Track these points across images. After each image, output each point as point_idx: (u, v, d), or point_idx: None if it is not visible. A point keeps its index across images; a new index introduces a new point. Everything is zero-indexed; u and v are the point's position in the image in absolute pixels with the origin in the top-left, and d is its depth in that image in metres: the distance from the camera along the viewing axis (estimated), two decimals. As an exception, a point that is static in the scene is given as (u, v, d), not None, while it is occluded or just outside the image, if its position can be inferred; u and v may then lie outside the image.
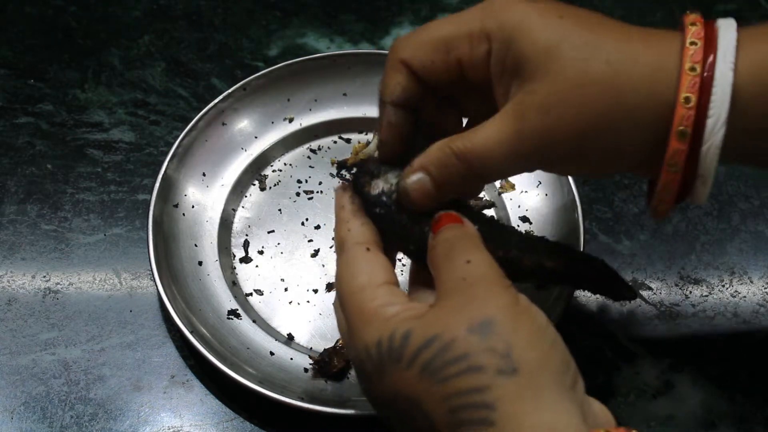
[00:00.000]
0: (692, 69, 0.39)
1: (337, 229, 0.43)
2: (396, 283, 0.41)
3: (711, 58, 0.39)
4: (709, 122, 0.38)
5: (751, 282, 0.58)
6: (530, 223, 0.59)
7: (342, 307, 0.41)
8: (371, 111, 0.64)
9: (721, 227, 0.61)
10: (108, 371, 0.55)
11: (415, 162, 0.42)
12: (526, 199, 0.60)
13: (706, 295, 0.58)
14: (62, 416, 0.53)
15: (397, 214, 0.42)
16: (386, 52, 0.65)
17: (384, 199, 0.42)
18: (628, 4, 0.73)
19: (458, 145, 0.41)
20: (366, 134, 0.64)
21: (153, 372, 0.55)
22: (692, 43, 0.39)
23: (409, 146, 0.44)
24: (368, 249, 0.41)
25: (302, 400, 0.50)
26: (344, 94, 0.65)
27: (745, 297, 0.58)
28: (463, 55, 0.42)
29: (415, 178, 0.42)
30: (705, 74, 0.38)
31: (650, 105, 0.39)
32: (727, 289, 0.58)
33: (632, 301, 0.57)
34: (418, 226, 0.42)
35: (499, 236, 0.42)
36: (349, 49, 0.70)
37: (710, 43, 0.39)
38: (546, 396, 0.35)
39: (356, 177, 0.43)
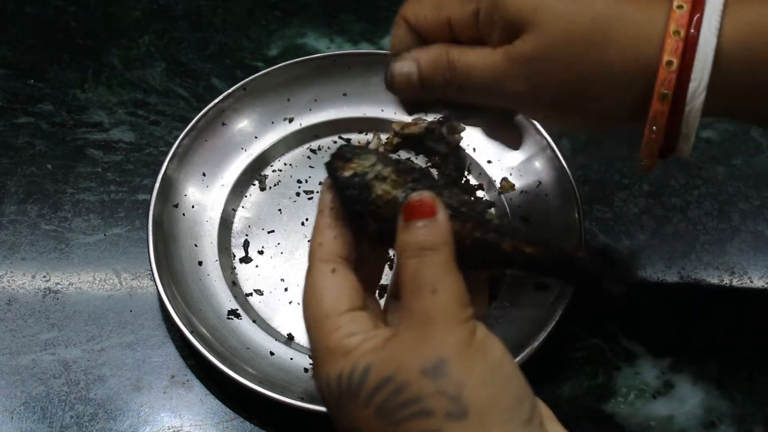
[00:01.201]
0: (676, 32, 0.40)
1: (312, 238, 0.42)
2: (360, 306, 0.40)
3: (696, 21, 0.40)
4: (691, 86, 0.40)
5: (751, 282, 0.58)
6: (530, 223, 0.59)
7: (308, 332, 0.40)
8: (371, 111, 0.64)
9: (721, 227, 0.61)
10: (108, 371, 0.55)
11: (412, 51, 0.45)
12: (526, 199, 0.60)
13: (707, 295, 0.58)
14: (62, 416, 0.53)
15: (368, 196, 0.41)
16: (386, 52, 0.65)
17: (356, 179, 0.41)
18: None
19: (454, 52, 0.44)
20: (366, 134, 0.64)
21: (153, 372, 0.55)
22: (679, 7, 0.40)
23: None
24: (334, 270, 0.40)
25: (302, 400, 0.50)
26: (344, 94, 0.65)
27: (745, 297, 0.58)
28: (453, 13, 0.45)
29: (405, 65, 0.45)
30: (689, 38, 0.39)
31: (634, 65, 0.40)
32: (727, 289, 0.58)
33: (632, 301, 0.57)
34: (390, 209, 0.41)
35: (479, 217, 0.42)
36: (349, 49, 0.70)
37: (696, 7, 0.40)
38: None
39: (330, 161, 0.43)
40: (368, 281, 0.43)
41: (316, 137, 0.64)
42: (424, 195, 0.39)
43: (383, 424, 0.36)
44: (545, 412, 0.38)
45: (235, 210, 0.61)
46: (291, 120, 0.64)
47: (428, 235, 0.38)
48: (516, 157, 0.61)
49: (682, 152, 0.43)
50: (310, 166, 0.63)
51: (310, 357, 0.54)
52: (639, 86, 0.41)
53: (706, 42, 0.39)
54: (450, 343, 0.36)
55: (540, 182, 0.60)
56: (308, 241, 0.59)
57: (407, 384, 0.36)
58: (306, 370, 0.53)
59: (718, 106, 0.41)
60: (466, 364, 0.36)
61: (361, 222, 0.42)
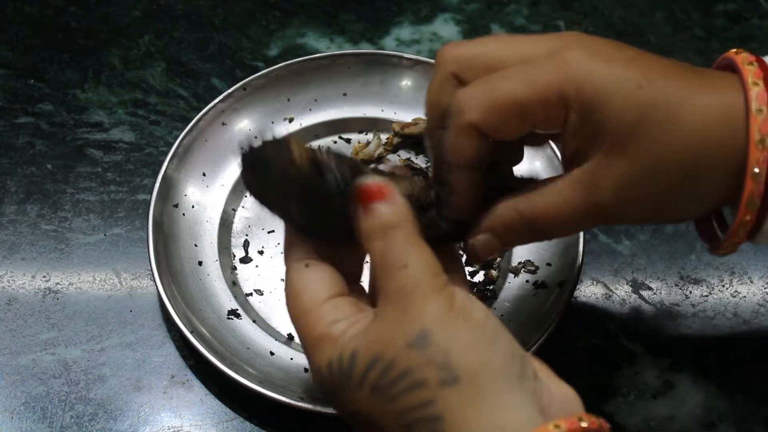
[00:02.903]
0: (759, 111, 0.39)
1: (284, 244, 0.43)
2: (340, 292, 0.40)
3: None
4: None
5: (751, 282, 0.58)
6: (530, 223, 0.59)
7: (296, 330, 0.41)
8: (371, 111, 0.64)
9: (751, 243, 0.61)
10: (108, 371, 0.55)
11: (483, 223, 0.43)
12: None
13: (706, 295, 0.58)
14: (62, 416, 0.53)
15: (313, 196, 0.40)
16: (386, 52, 0.66)
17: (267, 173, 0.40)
18: (628, 4, 0.73)
19: (524, 209, 0.42)
20: (366, 134, 0.64)
21: (153, 372, 0.55)
22: (755, 84, 0.39)
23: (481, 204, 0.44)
24: (307, 265, 0.41)
25: (302, 400, 0.50)
26: (344, 94, 0.65)
27: (745, 297, 0.58)
28: (538, 121, 0.41)
29: (481, 239, 0.43)
30: None
31: (726, 159, 0.40)
32: (727, 289, 0.58)
33: (632, 301, 0.58)
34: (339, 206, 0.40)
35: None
36: (349, 49, 0.70)
37: None
38: (491, 397, 0.35)
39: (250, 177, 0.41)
40: (351, 273, 0.43)
41: (316, 137, 0.64)
42: (373, 179, 0.39)
43: (380, 402, 0.36)
44: (540, 366, 0.39)
45: (235, 210, 0.61)
46: (291, 120, 0.64)
47: (389, 214, 0.39)
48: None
49: (765, 238, 0.42)
50: (310, 166, 0.63)
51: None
52: (730, 177, 0.40)
53: None
54: (430, 313, 0.36)
55: (540, 182, 0.60)
56: (308, 241, 0.59)
57: (396, 359, 0.36)
58: (306, 370, 0.53)
59: None
60: (450, 330, 0.36)
61: (287, 216, 0.41)
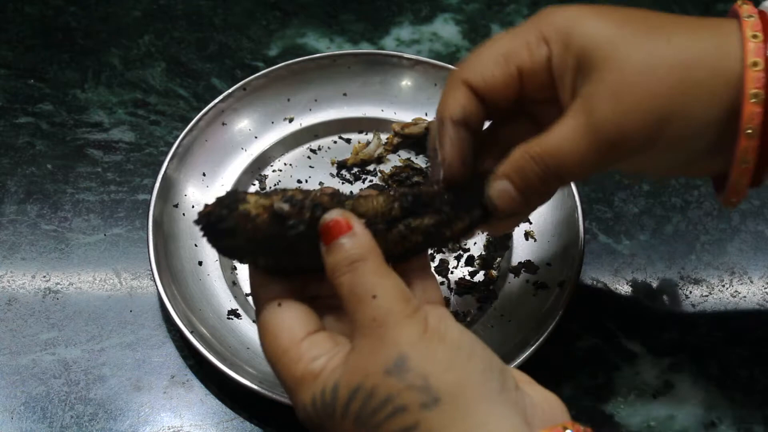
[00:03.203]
0: (755, 36, 0.39)
1: (251, 288, 0.42)
2: (316, 328, 0.40)
3: None
4: None
5: (751, 282, 0.58)
6: (530, 223, 0.59)
7: (273, 371, 0.41)
8: (371, 111, 0.64)
9: (721, 227, 0.61)
10: (108, 371, 0.55)
11: (497, 170, 0.42)
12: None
13: (706, 295, 0.58)
14: (62, 416, 0.53)
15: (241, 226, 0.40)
16: (386, 52, 0.66)
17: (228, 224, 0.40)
18: (629, 4, 0.73)
19: (535, 149, 0.41)
20: (366, 134, 0.64)
21: (153, 372, 0.55)
22: (749, 16, 0.40)
23: (470, 169, 0.44)
24: (280, 304, 0.40)
25: (302, 400, 0.50)
26: (344, 94, 0.65)
27: (745, 297, 0.58)
28: (523, 63, 0.42)
29: (499, 186, 0.42)
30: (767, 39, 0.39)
31: (719, 79, 0.39)
32: (727, 289, 0.58)
33: (632, 301, 0.58)
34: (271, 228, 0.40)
35: (390, 224, 0.42)
36: (349, 49, 0.70)
37: (766, 18, 0.40)
38: (473, 414, 0.35)
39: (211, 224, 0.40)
40: (326, 302, 0.42)
41: (316, 137, 0.64)
42: (333, 214, 0.39)
43: None
44: (521, 377, 0.39)
45: (235, 210, 0.61)
46: (291, 120, 0.64)
47: (353, 247, 0.39)
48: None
49: None
50: (310, 166, 0.63)
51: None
52: (727, 100, 0.40)
53: None
54: (404, 339, 0.37)
55: (540, 182, 0.60)
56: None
57: (376, 388, 0.36)
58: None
59: None
60: (426, 352, 0.36)
61: (253, 263, 0.41)
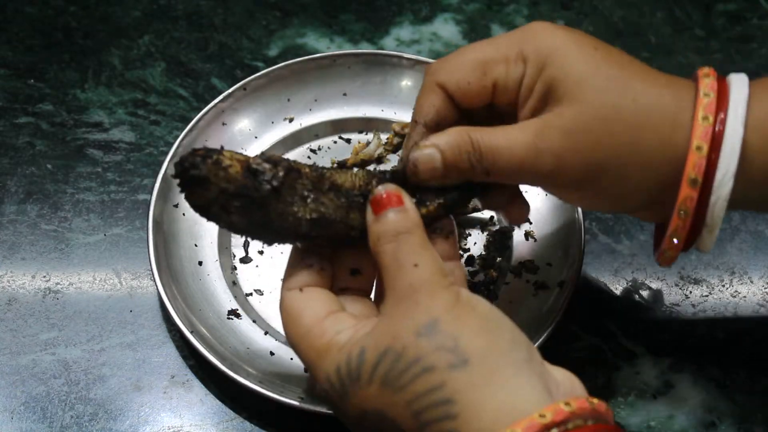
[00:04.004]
0: (705, 119, 0.40)
1: (285, 269, 0.44)
2: (338, 309, 0.42)
3: (722, 114, 0.40)
4: (718, 174, 0.40)
5: (751, 282, 0.58)
6: (530, 223, 0.59)
7: (297, 352, 0.42)
8: (371, 111, 0.64)
9: (722, 227, 0.61)
10: (108, 371, 0.55)
11: (431, 137, 0.43)
12: (526, 199, 0.60)
13: (706, 295, 0.58)
14: (62, 416, 0.53)
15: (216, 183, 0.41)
16: (386, 52, 0.66)
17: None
18: (628, 4, 0.73)
19: (476, 135, 0.42)
20: (366, 134, 0.64)
21: (153, 372, 0.55)
22: (705, 95, 0.41)
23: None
24: (302, 290, 0.42)
25: (302, 400, 0.50)
26: (344, 94, 0.65)
27: (745, 297, 0.58)
28: (499, 77, 0.43)
29: (427, 152, 0.43)
30: (717, 127, 0.40)
31: (666, 149, 0.41)
32: (727, 289, 0.58)
33: (632, 301, 0.58)
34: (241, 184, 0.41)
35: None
36: (349, 49, 0.70)
37: (723, 97, 0.40)
38: (500, 378, 0.36)
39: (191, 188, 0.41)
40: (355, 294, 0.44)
41: (316, 137, 0.64)
42: (389, 187, 0.41)
43: (389, 394, 0.37)
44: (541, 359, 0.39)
45: (235, 210, 0.61)
46: (291, 120, 0.64)
47: (401, 221, 0.40)
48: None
49: (705, 245, 0.43)
50: (310, 166, 0.63)
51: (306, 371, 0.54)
52: (666, 170, 0.41)
53: (733, 132, 0.40)
54: (438, 305, 0.38)
55: (540, 182, 0.60)
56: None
57: (405, 349, 0.37)
58: (306, 370, 0.53)
59: (743, 198, 0.41)
60: (457, 318, 0.37)
61: (225, 221, 0.42)
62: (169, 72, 0.69)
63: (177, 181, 0.41)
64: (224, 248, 0.59)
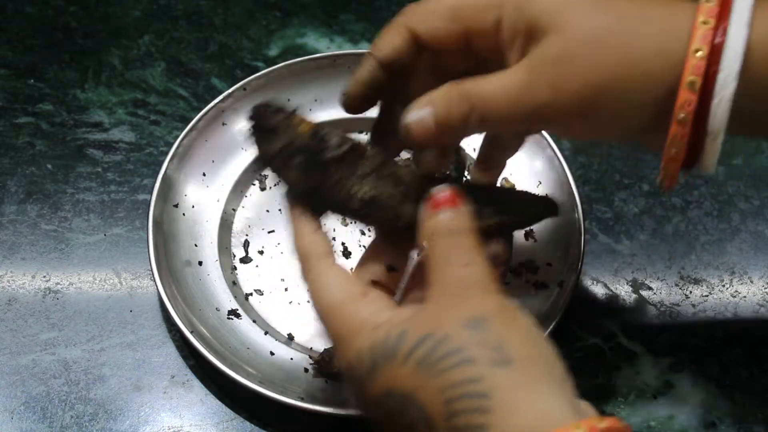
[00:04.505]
0: (705, 22, 0.38)
1: (297, 241, 0.44)
2: (369, 291, 0.41)
3: (725, 21, 0.38)
4: (720, 75, 0.38)
5: (751, 282, 0.58)
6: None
7: (325, 323, 0.41)
8: (371, 111, 0.64)
9: (721, 227, 0.61)
10: (108, 371, 0.55)
11: (422, 98, 0.43)
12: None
13: (706, 295, 0.58)
14: (62, 416, 0.53)
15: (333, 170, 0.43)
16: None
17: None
18: None
19: (466, 86, 0.42)
20: (366, 134, 0.64)
21: (153, 372, 0.55)
22: (707, 2, 0.39)
23: (370, 107, 0.46)
24: (333, 264, 0.42)
25: (302, 400, 0.50)
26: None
27: (745, 297, 0.58)
28: (473, 24, 0.43)
29: (418, 113, 0.43)
30: (719, 30, 0.38)
31: (661, 60, 0.39)
32: (727, 289, 0.58)
33: (632, 301, 0.58)
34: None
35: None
36: (349, 49, 0.70)
37: (725, 5, 0.39)
38: (539, 386, 0.36)
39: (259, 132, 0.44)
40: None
41: (316, 137, 0.64)
42: (451, 188, 0.41)
43: (423, 378, 0.36)
44: None
45: (235, 210, 0.61)
46: (291, 120, 0.64)
47: (455, 220, 0.40)
48: (516, 157, 0.61)
49: (709, 159, 0.41)
50: (310, 166, 0.63)
51: (310, 357, 0.54)
52: (665, 83, 0.39)
53: (736, 32, 0.38)
54: (488, 305, 0.38)
55: (540, 182, 0.60)
56: (308, 241, 0.59)
57: (448, 337, 0.36)
58: (306, 370, 0.53)
59: (744, 115, 0.39)
60: (505, 322, 0.37)
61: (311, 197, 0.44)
62: (169, 72, 0.69)
63: (249, 125, 0.43)
64: (224, 248, 0.59)
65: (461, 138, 0.46)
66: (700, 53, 0.38)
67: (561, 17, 0.40)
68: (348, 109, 0.46)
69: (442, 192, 0.41)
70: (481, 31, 0.43)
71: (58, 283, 0.58)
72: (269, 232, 0.60)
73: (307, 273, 0.43)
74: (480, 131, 0.44)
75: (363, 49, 0.70)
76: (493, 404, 0.35)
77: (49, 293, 0.58)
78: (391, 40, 0.44)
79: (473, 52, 0.44)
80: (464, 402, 0.35)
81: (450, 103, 0.42)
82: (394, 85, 0.46)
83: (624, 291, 0.58)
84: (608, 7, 0.40)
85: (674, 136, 0.40)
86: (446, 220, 0.40)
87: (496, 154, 0.51)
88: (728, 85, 0.38)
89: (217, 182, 0.61)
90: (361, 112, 0.46)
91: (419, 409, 0.36)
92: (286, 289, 0.57)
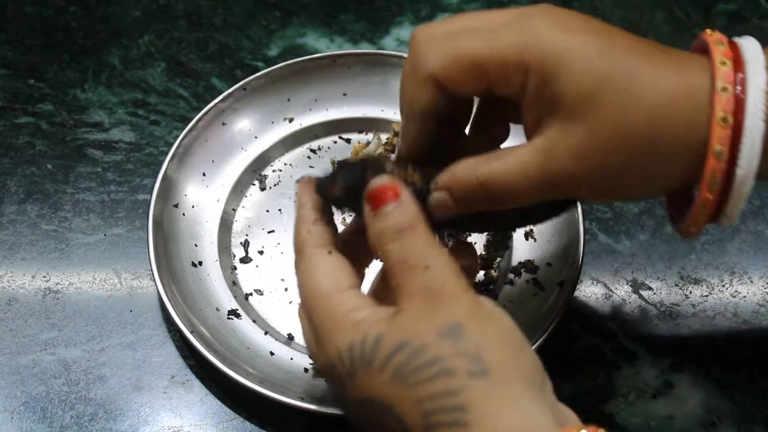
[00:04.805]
0: (724, 89, 0.38)
1: (297, 229, 0.43)
2: (359, 287, 0.41)
3: (739, 67, 0.38)
4: (744, 147, 0.38)
5: (751, 282, 0.58)
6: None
7: (308, 313, 0.40)
8: (371, 111, 0.64)
9: (721, 227, 0.61)
10: (108, 371, 0.55)
11: (440, 180, 0.42)
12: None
13: (706, 295, 0.58)
14: (62, 416, 0.53)
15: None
16: (386, 52, 0.65)
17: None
18: (628, 4, 0.73)
19: (482, 172, 0.41)
20: (366, 134, 0.64)
21: (153, 372, 0.55)
22: (723, 89, 0.38)
23: (431, 156, 0.44)
24: (330, 252, 0.41)
25: (302, 400, 0.50)
26: (344, 94, 0.65)
27: (745, 297, 0.58)
28: (497, 82, 0.41)
29: (437, 196, 0.42)
30: (737, 96, 0.38)
31: (688, 146, 0.39)
32: (727, 289, 0.58)
33: (632, 301, 0.58)
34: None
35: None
36: (349, 49, 0.70)
37: (738, 63, 0.39)
38: (518, 396, 0.35)
39: (324, 182, 0.43)
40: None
41: (316, 137, 0.64)
42: (383, 180, 0.40)
43: (400, 388, 0.36)
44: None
45: (235, 210, 0.61)
46: (291, 120, 0.64)
47: (401, 215, 0.39)
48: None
49: (732, 216, 0.41)
50: (310, 166, 0.63)
51: (311, 357, 0.54)
52: (689, 162, 0.39)
53: (754, 102, 0.38)
54: (461, 309, 0.37)
55: (540, 182, 0.60)
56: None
57: (425, 347, 0.36)
58: (306, 370, 0.53)
59: None
60: (481, 327, 0.36)
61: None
62: (169, 72, 0.69)
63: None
64: (224, 248, 0.59)
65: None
66: (725, 122, 0.38)
67: (589, 106, 0.39)
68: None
69: (378, 185, 0.40)
70: (506, 89, 0.41)
71: (58, 283, 0.58)
72: (269, 232, 0.60)
73: (299, 261, 0.42)
74: (498, 207, 0.43)
75: (363, 49, 0.70)
76: (471, 418, 0.34)
77: (49, 293, 0.58)
78: (425, 93, 0.41)
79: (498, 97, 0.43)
80: (442, 415, 0.35)
81: (467, 187, 0.41)
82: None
83: (624, 291, 0.58)
84: (637, 96, 0.39)
85: (704, 201, 0.40)
86: (391, 218, 0.39)
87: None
88: (753, 156, 0.38)
89: (217, 182, 0.61)
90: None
91: (398, 420, 0.36)
92: (286, 289, 0.57)
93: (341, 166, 0.43)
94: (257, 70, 0.65)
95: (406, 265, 0.38)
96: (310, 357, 0.53)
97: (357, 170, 0.42)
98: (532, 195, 0.41)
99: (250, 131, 0.63)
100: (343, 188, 0.42)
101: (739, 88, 0.38)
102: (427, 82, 0.41)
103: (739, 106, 0.38)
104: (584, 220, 0.56)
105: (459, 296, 0.37)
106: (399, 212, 0.39)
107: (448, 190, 0.42)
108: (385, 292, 0.43)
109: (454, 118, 0.45)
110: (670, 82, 0.39)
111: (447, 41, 0.41)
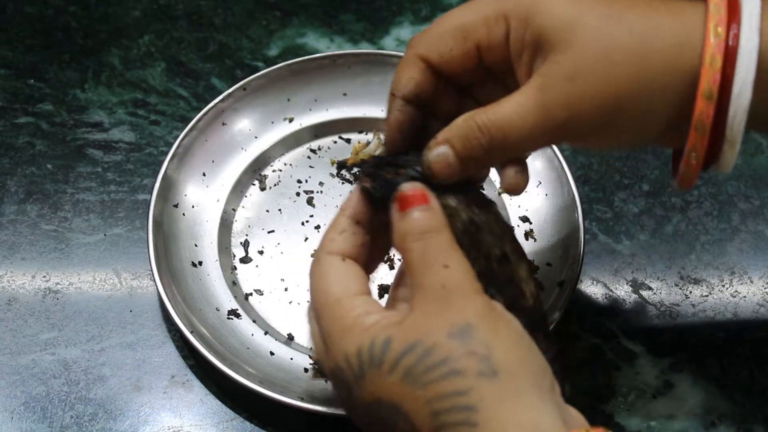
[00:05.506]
0: (717, 33, 0.38)
1: (325, 233, 0.43)
2: (370, 294, 0.41)
3: (735, 27, 0.38)
4: (735, 86, 0.38)
5: (751, 282, 0.58)
6: (530, 223, 0.59)
7: (318, 318, 0.41)
8: (371, 111, 0.64)
9: (721, 227, 0.61)
10: (108, 371, 0.55)
11: (439, 135, 0.42)
12: (526, 199, 0.60)
13: (706, 295, 0.58)
14: (62, 416, 0.53)
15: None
16: (386, 52, 0.66)
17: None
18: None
19: (482, 118, 0.41)
20: (366, 134, 0.64)
21: (153, 372, 0.55)
22: (716, 7, 0.39)
23: (413, 144, 0.45)
24: (343, 259, 0.41)
25: (302, 400, 0.50)
26: (344, 94, 0.65)
27: (745, 297, 0.58)
28: (482, 39, 0.42)
29: (437, 151, 0.42)
30: (731, 37, 0.38)
31: (676, 71, 0.39)
32: (727, 289, 0.58)
33: (632, 301, 0.58)
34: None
35: (500, 234, 0.43)
36: (349, 49, 0.70)
37: (734, 8, 0.39)
38: (527, 397, 0.35)
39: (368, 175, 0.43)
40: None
41: (316, 137, 0.64)
42: (414, 185, 0.41)
43: (410, 388, 0.36)
44: None
45: (235, 210, 0.61)
46: (291, 120, 0.64)
47: (427, 219, 0.40)
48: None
49: (727, 162, 0.41)
50: (310, 166, 0.63)
51: (310, 357, 0.54)
52: (680, 93, 0.39)
53: (748, 39, 0.38)
54: (472, 309, 0.37)
55: (540, 182, 0.60)
56: (306, 240, 0.59)
57: (435, 347, 0.36)
58: (306, 370, 0.53)
59: (759, 118, 0.39)
60: (492, 328, 0.37)
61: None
62: (169, 72, 0.69)
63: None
64: (224, 248, 0.59)
65: (486, 167, 0.45)
66: (715, 64, 0.38)
67: (569, 33, 0.39)
68: (393, 153, 0.45)
69: (410, 189, 0.40)
70: (491, 47, 0.42)
71: (58, 283, 0.58)
72: (269, 232, 0.60)
73: (314, 265, 0.42)
74: (503, 157, 0.43)
75: (363, 49, 0.70)
76: (480, 418, 0.34)
77: (49, 293, 0.58)
78: (410, 75, 0.44)
79: (487, 70, 0.44)
80: (452, 415, 0.35)
81: (467, 136, 0.41)
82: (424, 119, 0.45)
83: (624, 291, 0.58)
84: (617, 19, 0.39)
85: (693, 144, 0.40)
86: (418, 220, 0.39)
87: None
88: (744, 95, 0.38)
89: (217, 182, 0.61)
90: (406, 150, 0.45)
91: (406, 420, 0.36)
92: (286, 289, 0.57)
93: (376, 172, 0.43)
94: (257, 70, 0.65)
95: (426, 262, 0.38)
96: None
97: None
98: (534, 133, 0.41)
99: (250, 131, 0.63)
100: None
101: (733, 31, 0.38)
102: (414, 62, 0.43)
103: (732, 44, 0.38)
104: (584, 220, 0.56)
105: (472, 297, 0.37)
106: (426, 216, 0.40)
107: (448, 143, 0.42)
108: (394, 301, 0.43)
109: (444, 117, 0.45)
110: (655, 9, 0.40)
111: (432, 25, 0.43)
